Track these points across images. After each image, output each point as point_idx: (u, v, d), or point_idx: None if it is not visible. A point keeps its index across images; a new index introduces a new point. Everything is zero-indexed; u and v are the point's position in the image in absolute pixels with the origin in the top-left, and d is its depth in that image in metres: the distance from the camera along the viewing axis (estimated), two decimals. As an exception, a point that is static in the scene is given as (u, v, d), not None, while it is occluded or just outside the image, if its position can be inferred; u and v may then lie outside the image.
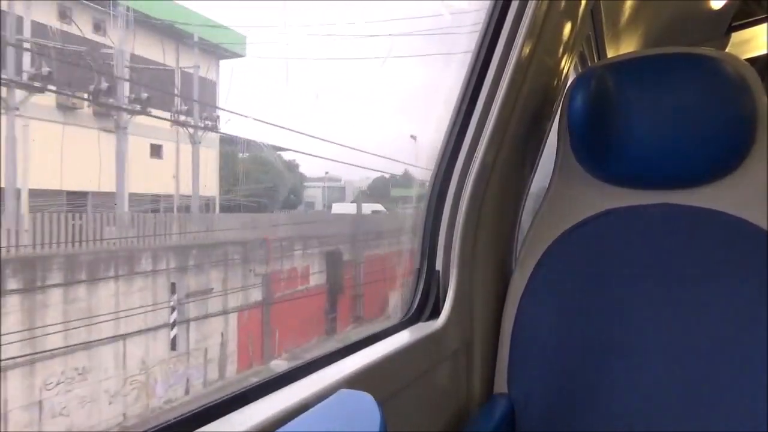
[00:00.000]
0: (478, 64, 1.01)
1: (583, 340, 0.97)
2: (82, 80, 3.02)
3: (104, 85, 3.10)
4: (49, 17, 2.84)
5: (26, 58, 2.72)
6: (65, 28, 2.87)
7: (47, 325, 2.85)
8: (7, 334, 2.61)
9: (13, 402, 2.67)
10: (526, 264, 1.03)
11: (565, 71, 1.16)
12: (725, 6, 1.98)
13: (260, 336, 3.99)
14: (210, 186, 3.86)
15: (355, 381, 0.70)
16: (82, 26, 2.94)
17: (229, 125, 3.87)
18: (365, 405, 0.54)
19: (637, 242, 0.98)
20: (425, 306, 1.00)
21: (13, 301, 2.75)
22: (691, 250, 0.94)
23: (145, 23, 3.22)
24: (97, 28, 3.09)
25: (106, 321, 3.13)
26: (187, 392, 3.48)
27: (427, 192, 1.04)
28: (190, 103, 3.54)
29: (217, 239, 3.95)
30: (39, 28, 2.77)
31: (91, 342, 3.05)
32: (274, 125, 3.56)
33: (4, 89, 2.61)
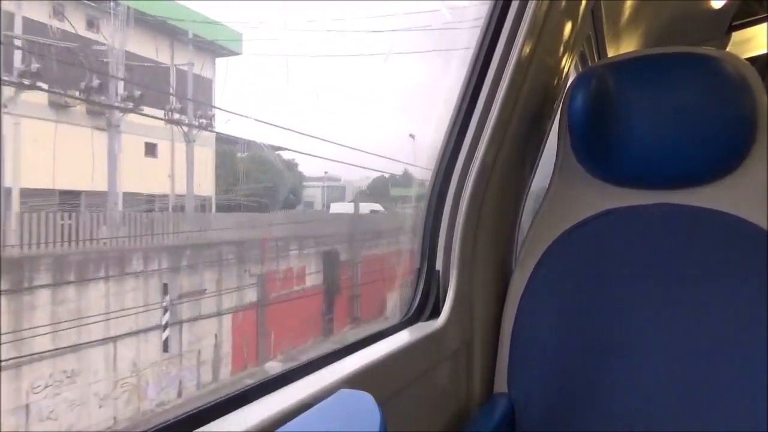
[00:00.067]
0: (478, 64, 1.01)
1: (583, 340, 0.97)
2: (74, 77, 2.98)
3: (96, 82, 3.06)
4: (40, 14, 2.80)
5: (17, 55, 2.68)
6: (57, 24, 2.84)
7: (35, 327, 2.81)
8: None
9: (-2, 405, 2.62)
10: (526, 264, 1.03)
11: (565, 71, 1.16)
12: (726, 5, 1.99)
13: (255, 337, 3.95)
14: (206, 185, 3.83)
15: (355, 381, 0.70)
16: (75, 23, 2.91)
17: (228, 125, 3.84)
18: (365, 405, 0.54)
19: (637, 242, 0.98)
20: (425, 306, 1.00)
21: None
22: (691, 250, 0.94)
23: (139, 20, 3.18)
24: (90, 24, 3.06)
25: (96, 323, 3.08)
26: (179, 395, 3.44)
27: (427, 192, 1.04)
28: (185, 101, 3.51)
29: (211, 239, 3.91)
30: (30, 24, 2.73)
31: (80, 344, 3.01)
32: (272, 125, 3.53)
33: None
